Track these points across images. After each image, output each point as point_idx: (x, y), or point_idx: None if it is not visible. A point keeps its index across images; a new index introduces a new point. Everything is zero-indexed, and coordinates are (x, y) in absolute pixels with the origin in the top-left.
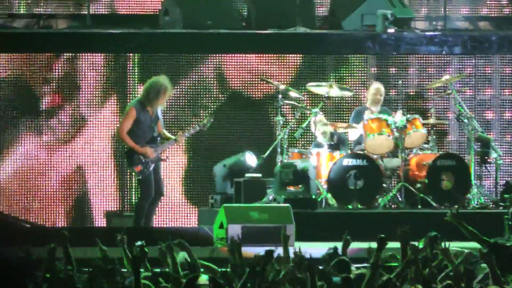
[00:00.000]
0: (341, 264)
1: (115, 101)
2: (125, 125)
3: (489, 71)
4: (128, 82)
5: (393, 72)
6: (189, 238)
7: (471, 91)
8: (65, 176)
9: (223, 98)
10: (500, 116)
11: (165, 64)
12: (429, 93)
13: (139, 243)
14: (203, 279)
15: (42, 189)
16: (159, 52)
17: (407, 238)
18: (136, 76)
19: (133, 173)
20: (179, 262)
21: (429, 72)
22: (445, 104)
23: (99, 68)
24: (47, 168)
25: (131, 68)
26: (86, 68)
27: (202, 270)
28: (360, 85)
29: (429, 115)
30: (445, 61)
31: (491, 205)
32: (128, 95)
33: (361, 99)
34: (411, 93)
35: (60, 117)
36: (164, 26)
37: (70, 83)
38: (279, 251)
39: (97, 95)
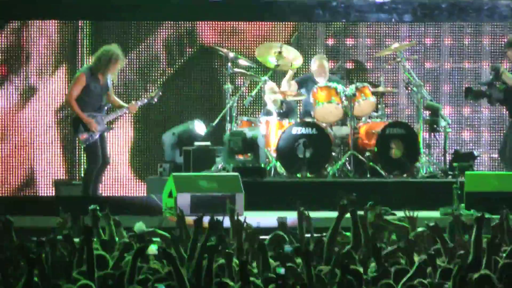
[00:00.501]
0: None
1: (65, 70)
2: (73, 91)
3: (439, 40)
4: (78, 52)
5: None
6: (138, 207)
7: (420, 59)
8: (15, 146)
9: (173, 66)
10: (449, 85)
11: (114, 33)
12: (378, 61)
13: (92, 206)
14: (152, 248)
15: None
16: (110, 20)
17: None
18: (86, 46)
19: (79, 141)
20: (137, 231)
21: (379, 40)
22: (394, 73)
23: (49, 37)
24: None
25: (81, 37)
26: (35, 37)
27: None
28: (311, 54)
29: (378, 83)
30: (395, 28)
31: (440, 174)
32: (78, 65)
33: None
34: (360, 61)
35: (8, 87)
36: None
37: (17, 53)
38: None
39: (46, 64)
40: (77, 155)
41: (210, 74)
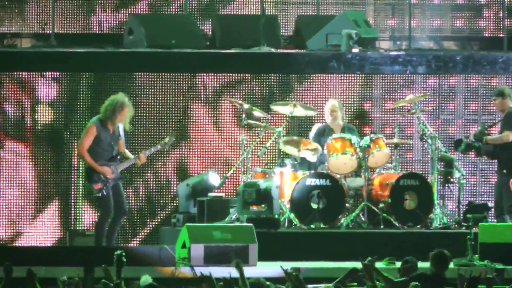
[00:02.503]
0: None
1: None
2: (85, 142)
3: (453, 91)
4: (79, 102)
5: (358, 91)
6: (151, 258)
7: (435, 110)
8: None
9: (187, 118)
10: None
11: (126, 83)
12: (393, 113)
13: (118, 252)
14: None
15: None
16: (123, 71)
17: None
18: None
19: (93, 191)
20: (143, 284)
21: (393, 91)
22: (408, 124)
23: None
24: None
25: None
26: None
27: None
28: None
29: (393, 134)
30: (409, 80)
31: (454, 225)
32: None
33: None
34: (375, 113)
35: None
36: (128, 45)
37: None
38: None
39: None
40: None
41: (224, 125)
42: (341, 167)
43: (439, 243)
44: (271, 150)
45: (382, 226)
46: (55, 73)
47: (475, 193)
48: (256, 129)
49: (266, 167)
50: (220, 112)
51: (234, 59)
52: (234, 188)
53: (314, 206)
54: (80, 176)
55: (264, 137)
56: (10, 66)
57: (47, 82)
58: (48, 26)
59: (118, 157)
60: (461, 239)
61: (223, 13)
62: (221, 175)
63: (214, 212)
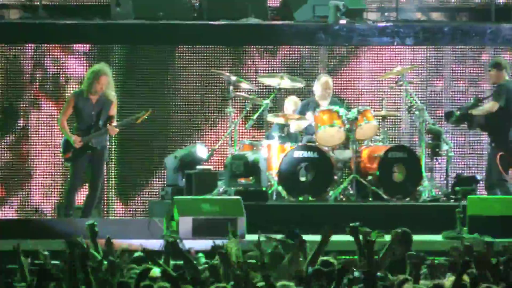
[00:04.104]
0: None
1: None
2: (62, 112)
3: (441, 63)
4: None
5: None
6: (140, 230)
7: (422, 82)
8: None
9: (174, 90)
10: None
11: (115, 56)
12: (381, 85)
13: (90, 222)
14: (156, 272)
15: None
16: (110, 43)
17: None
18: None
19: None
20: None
21: (381, 63)
22: (396, 96)
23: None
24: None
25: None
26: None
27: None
28: (312, 76)
29: (380, 106)
30: (397, 52)
31: (442, 198)
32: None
33: (312, 90)
34: (363, 85)
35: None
36: (116, 17)
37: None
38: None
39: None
40: None
41: (212, 97)
42: (329, 139)
43: (428, 216)
44: (259, 123)
45: (370, 199)
46: (84, 48)
47: (463, 166)
48: (244, 101)
49: (253, 139)
50: (207, 84)
51: (221, 30)
52: (222, 161)
53: (302, 178)
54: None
55: (251, 109)
56: None
57: (77, 56)
58: None
59: (96, 128)
60: (449, 212)
61: None
62: (209, 147)
63: (202, 184)
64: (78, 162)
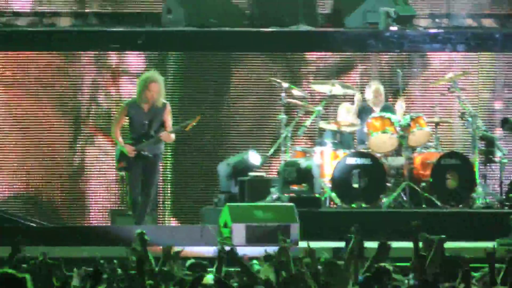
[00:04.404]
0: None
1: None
2: (116, 120)
3: (493, 69)
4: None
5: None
6: (193, 237)
7: (474, 89)
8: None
9: (227, 97)
10: (505, 115)
11: (169, 64)
12: (433, 91)
13: (139, 230)
14: (208, 279)
15: (48, 188)
16: (162, 51)
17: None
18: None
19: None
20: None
21: (433, 70)
22: (449, 103)
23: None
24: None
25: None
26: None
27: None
28: (364, 83)
29: (433, 113)
30: (449, 59)
31: (496, 205)
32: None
33: (365, 96)
34: (415, 92)
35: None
36: (167, 24)
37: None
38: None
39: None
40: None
41: (264, 104)
42: (381, 145)
43: (482, 223)
44: (312, 129)
45: (424, 206)
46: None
47: None
48: (296, 107)
49: (306, 146)
50: (259, 91)
51: (272, 37)
52: (275, 168)
53: (355, 185)
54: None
55: (303, 116)
56: (50, 45)
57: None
58: (86, 5)
59: (149, 136)
60: (504, 219)
61: None
62: (262, 154)
63: (255, 191)
64: (132, 171)
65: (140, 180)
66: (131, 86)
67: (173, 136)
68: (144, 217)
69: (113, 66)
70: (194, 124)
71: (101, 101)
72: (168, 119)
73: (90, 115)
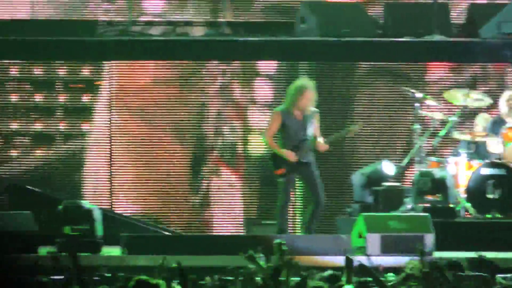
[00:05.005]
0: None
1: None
2: (269, 128)
3: None
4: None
5: None
6: (327, 247)
7: None
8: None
9: (358, 106)
10: None
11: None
12: None
13: (278, 240)
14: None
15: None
16: (294, 60)
17: None
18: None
19: (276, 176)
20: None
21: None
22: None
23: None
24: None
25: None
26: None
27: None
28: (498, 93)
29: None
30: None
31: None
32: None
33: (498, 107)
34: None
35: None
36: (300, 33)
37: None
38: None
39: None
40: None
41: (398, 114)
42: None
43: None
44: (446, 139)
45: None
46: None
47: None
48: (430, 118)
49: (440, 156)
50: (393, 101)
51: (406, 47)
52: (409, 178)
53: (490, 196)
54: None
55: (438, 126)
56: (182, 54)
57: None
58: (220, 14)
59: (307, 143)
60: None
61: (393, 1)
62: (396, 164)
63: (390, 201)
64: (290, 178)
65: (294, 188)
66: (259, 115)
67: (327, 145)
68: (312, 226)
69: (239, 96)
70: (357, 131)
71: (227, 133)
72: (318, 127)
73: (215, 146)
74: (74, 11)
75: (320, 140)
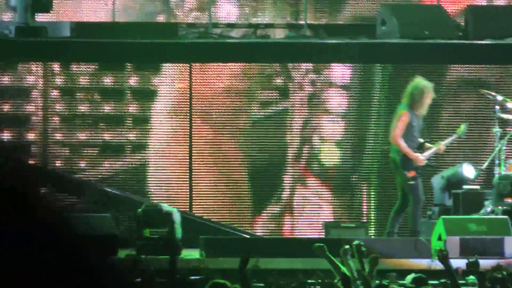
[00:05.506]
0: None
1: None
2: (398, 129)
3: None
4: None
5: None
6: (407, 249)
7: None
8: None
9: (439, 110)
10: None
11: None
12: None
13: (357, 242)
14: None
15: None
16: (375, 63)
17: None
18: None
19: (404, 178)
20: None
21: None
22: None
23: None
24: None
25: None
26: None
27: None
28: None
29: None
30: None
31: None
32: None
33: None
34: None
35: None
36: (381, 36)
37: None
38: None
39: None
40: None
41: (478, 117)
42: None
43: None
44: None
45: None
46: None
47: None
48: (511, 120)
49: None
50: (473, 104)
51: (487, 50)
52: (489, 181)
53: None
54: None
55: None
56: (262, 56)
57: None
58: (301, 16)
59: (423, 145)
60: None
61: (475, 3)
62: (476, 167)
63: (469, 204)
64: (418, 180)
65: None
66: (338, 124)
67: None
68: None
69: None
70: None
71: (315, 142)
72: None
73: (301, 155)
74: (155, 14)
75: (442, 143)
